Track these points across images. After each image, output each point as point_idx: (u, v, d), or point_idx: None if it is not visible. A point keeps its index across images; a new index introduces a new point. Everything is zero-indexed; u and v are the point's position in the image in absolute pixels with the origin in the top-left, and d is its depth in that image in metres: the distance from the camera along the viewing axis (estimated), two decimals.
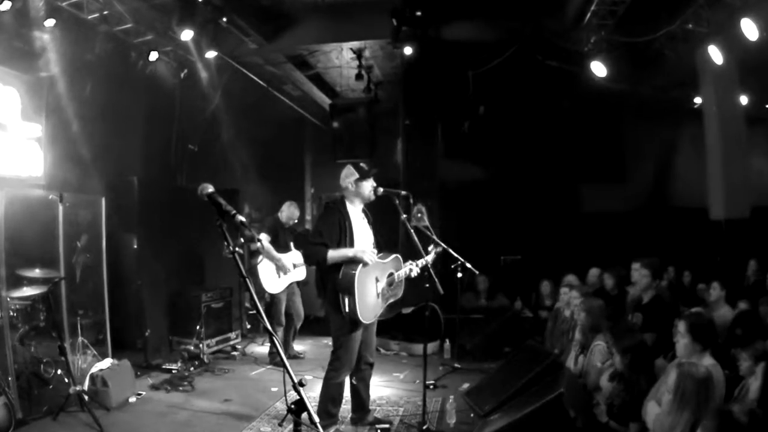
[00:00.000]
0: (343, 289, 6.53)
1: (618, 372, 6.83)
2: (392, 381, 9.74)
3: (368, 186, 6.95)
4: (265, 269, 10.44)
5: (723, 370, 5.81)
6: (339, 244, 6.70)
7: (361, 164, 7.07)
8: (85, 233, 9.28)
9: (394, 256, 7.11)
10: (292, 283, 10.74)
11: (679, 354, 5.90)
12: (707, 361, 5.70)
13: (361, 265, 6.55)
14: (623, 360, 6.82)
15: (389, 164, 13.19)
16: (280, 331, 10.72)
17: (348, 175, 6.94)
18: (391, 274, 7.01)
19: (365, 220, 7.13)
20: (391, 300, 7.14)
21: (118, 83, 10.67)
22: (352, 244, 6.76)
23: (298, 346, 11.49)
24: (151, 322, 10.65)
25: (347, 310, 6.51)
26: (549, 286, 11.96)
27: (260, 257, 10.40)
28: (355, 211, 7.00)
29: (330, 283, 6.69)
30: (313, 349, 11.51)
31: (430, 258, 7.34)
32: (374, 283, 6.78)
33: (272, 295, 10.64)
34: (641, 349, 7.16)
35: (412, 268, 7.18)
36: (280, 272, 10.46)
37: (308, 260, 6.92)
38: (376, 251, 6.96)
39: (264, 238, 10.36)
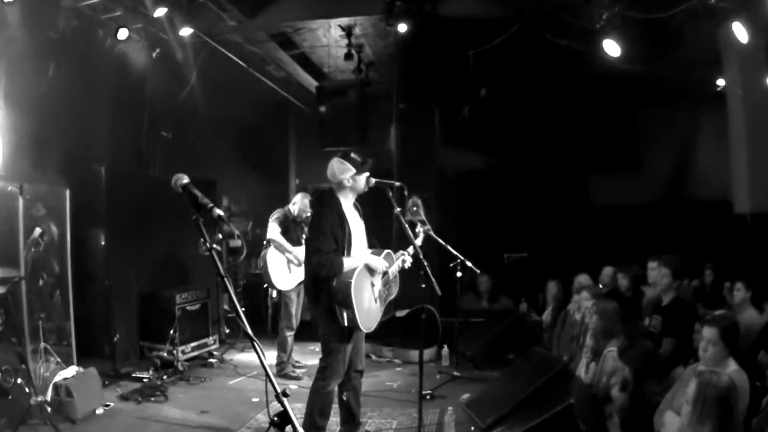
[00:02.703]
0: (340, 302, 6.53)
1: (626, 381, 6.85)
2: (385, 391, 9.77)
3: (364, 179, 6.95)
4: (274, 263, 10.39)
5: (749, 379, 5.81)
6: (342, 247, 6.73)
7: (352, 154, 7.02)
8: (38, 227, 9.19)
9: (385, 252, 7.12)
10: (300, 284, 10.57)
11: (707, 364, 5.87)
12: (731, 366, 5.70)
13: (356, 273, 6.57)
14: (629, 368, 6.85)
15: (382, 152, 13.17)
16: (290, 337, 10.66)
17: (343, 170, 6.89)
18: (385, 273, 7.03)
19: (356, 214, 7.14)
20: (389, 299, 7.19)
21: (84, 64, 10.62)
22: (350, 246, 6.77)
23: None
24: (120, 327, 10.66)
25: (346, 324, 6.54)
26: (555, 287, 11.93)
27: (266, 250, 10.38)
28: (348, 206, 7.00)
29: (325, 292, 6.68)
30: (299, 356, 11.50)
31: (419, 240, 7.36)
32: (370, 289, 6.81)
33: (282, 293, 10.62)
34: (650, 357, 7.18)
35: (405, 258, 7.23)
36: (291, 266, 10.44)
37: (323, 272, 6.65)
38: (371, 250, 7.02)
39: (274, 229, 10.34)
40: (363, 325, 6.59)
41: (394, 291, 7.26)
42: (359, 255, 6.81)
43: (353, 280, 6.49)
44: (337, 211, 6.80)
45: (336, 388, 7.01)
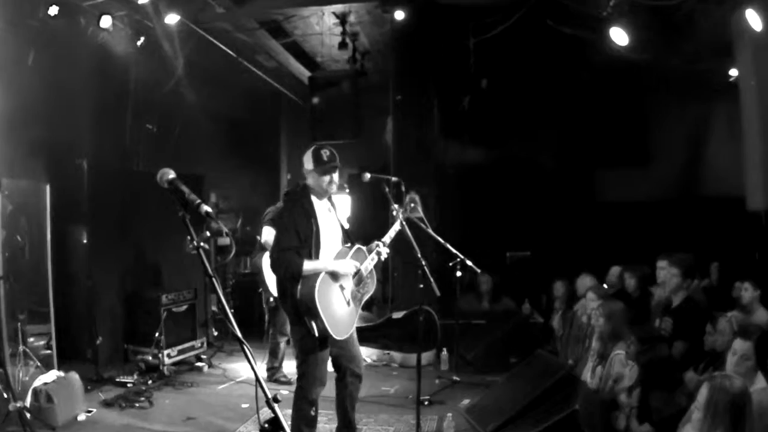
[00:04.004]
0: (306, 312, 6.40)
1: (634, 385, 6.85)
2: (382, 396, 9.77)
3: (326, 180, 6.72)
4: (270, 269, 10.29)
5: None
6: (309, 244, 6.60)
7: (323, 149, 6.83)
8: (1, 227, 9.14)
9: (356, 248, 6.96)
10: None
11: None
12: (759, 383, 5.68)
13: (318, 280, 6.41)
14: (639, 372, 6.85)
15: (377, 146, 13.17)
16: (283, 343, 10.60)
17: (306, 162, 6.75)
18: (356, 273, 6.96)
19: (332, 212, 7.03)
20: (366, 298, 7.10)
21: (65, 53, 10.58)
22: (318, 246, 6.63)
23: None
24: (103, 329, 10.62)
25: (316, 333, 6.42)
26: (562, 287, 11.93)
27: (260, 254, 10.29)
28: (320, 202, 6.86)
29: (290, 295, 6.57)
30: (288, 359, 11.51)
31: (396, 225, 7.28)
32: (340, 293, 6.66)
33: (278, 299, 10.48)
34: (664, 363, 7.18)
35: (380, 250, 7.10)
36: None
37: (280, 271, 6.63)
38: (349, 245, 6.94)
39: (268, 232, 10.21)
40: (335, 333, 6.44)
41: (371, 288, 7.13)
42: (322, 260, 6.61)
43: (317, 287, 6.34)
44: (302, 206, 6.68)
45: (332, 393, 7.00)
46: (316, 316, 6.33)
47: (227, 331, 12.82)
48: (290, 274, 6.47)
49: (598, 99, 14.59)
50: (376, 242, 7.13)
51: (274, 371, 10.54)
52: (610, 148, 15.02)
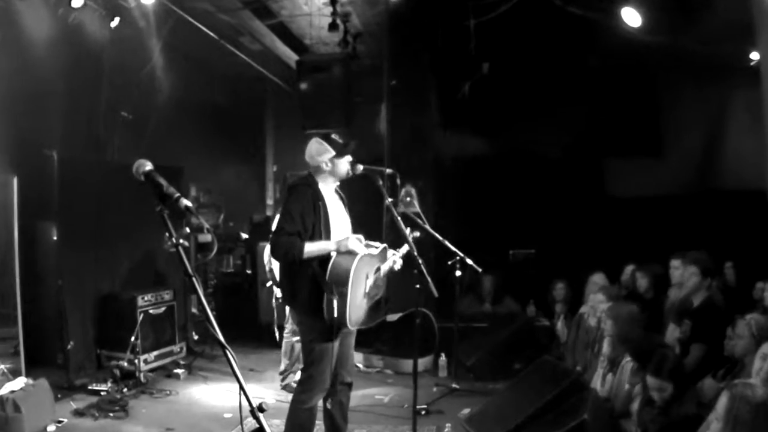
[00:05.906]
0: (332, 287, 6.45)
1: (649, 397, 6.82)
2: (375, 405, 9.79)
3: (346, 163, 6.89)
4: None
5: None
6: (314, 231, 6.63)
7: (333, 135, 6.99)
8: None
9: (382, 246, 7.05)
10: None
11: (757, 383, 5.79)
12: None
13: (358, 257, 6.51)
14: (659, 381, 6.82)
15: (370, 135, 13.14)
16: (295, 342, 10.60)
17: (321, 152, 6.85)
18: (377, 270, 6.97)
19: (341, 202, 7.10)
20: (375, 299, 7.10)
21: (34, 36, 10.53)
22: (328, 232, 6.69)
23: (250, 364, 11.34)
24: (74, 333, 10.59)
25: (335, 314, 6.44)
26: (563, 289, 11.93)
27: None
28: (328, 191, 6.95)
29: (304, 281, 6.62)
30: (267, 364, 11.47)
31: (410, 242, 7.28)
32: (364, 281, 6.74)
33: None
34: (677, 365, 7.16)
35: (396, 259, 7.13)
36: None
37: (279, 254, 6.66)
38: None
39: None
40: (351, 320, 6.48)
41: (381, 292, 7.19)
42: (325, 241, 6.65)
43: (354, 264, 6.44)
44: (312, 193, 6.75)
45: (320, 403, 6.98)
46: (343, 295, 6.40)
47: (208, 335, 12.80)
48: (290, 258, 6.56)
49: (609, 85, 14.52)
50: (392, 251, 7.13)
51: (286, 374, 10.53)
52: (621, 138, 14.97)
